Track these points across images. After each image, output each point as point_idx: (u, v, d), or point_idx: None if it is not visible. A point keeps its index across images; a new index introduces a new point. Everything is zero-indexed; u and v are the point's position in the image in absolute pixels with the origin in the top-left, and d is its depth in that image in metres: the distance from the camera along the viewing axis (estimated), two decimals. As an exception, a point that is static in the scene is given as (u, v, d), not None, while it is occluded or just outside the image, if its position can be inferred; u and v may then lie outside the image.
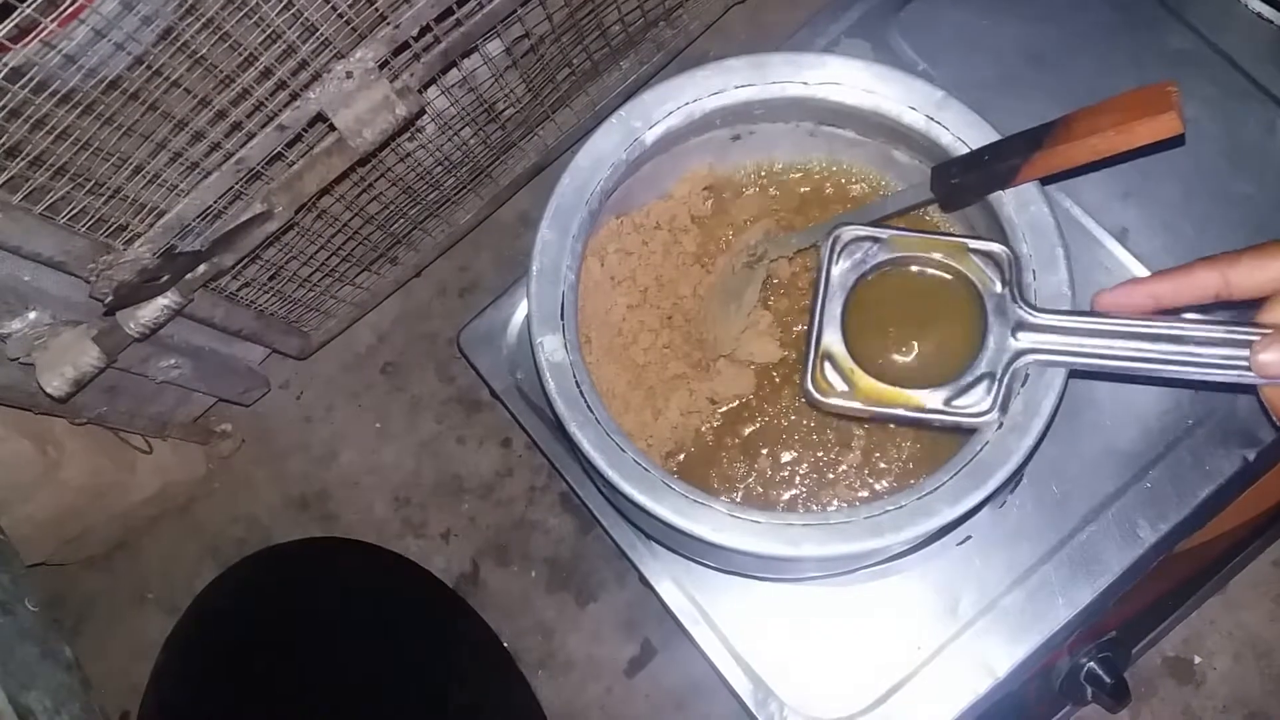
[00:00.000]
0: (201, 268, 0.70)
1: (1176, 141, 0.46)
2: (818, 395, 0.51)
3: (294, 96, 0.65)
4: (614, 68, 1.03)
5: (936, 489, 0.49)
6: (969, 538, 0.61)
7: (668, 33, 1.05)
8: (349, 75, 0.64)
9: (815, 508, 0.58)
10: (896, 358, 0.52)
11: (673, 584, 0.64)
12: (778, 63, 0.56)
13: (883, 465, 0.59)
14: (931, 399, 0.49)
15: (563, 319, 0.52)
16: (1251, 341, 0.44)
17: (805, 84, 0.55)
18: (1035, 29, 0.69)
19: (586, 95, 1.05)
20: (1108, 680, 0.67)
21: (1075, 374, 0.50)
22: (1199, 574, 0.82)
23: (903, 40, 0.69)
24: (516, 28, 0.80)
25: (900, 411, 0.50)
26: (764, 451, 0.59)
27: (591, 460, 0.50)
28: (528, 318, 0.54)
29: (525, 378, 0.69)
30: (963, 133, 0.54)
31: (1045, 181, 0.52)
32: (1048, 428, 0.49)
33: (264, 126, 0.65)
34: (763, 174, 0.63)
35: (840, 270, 0.52)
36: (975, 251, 0.51)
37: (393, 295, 1.14)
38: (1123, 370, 0.47)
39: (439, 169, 0.95)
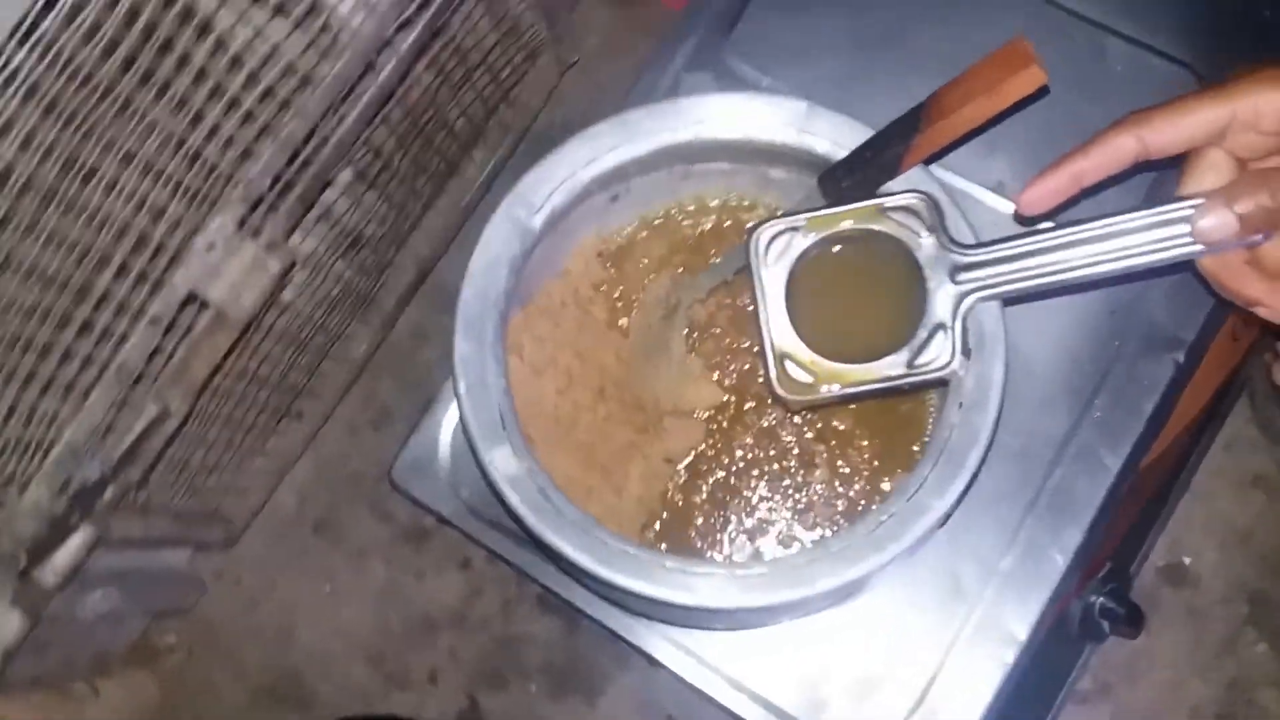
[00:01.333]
0: (109, 492, 0.68)
1: (1042, 93, 0.49)
2: (788, 395, 0.52)
3: (158, 285, 0.64)
4: (468, 161, 1.05)
5: (921, 485, 0.50)
6: (947, 516, 0.63)
7: (510, 113, 1.08)
8: (211, 247, 0.63)
9: (807, 540, 0.59)
10: (851, 336, 0.53)
11: (682, 654, 0.63)
12: (640, 118, 0.58)
13: (848, 470, 0.60)
14: (894, 365, 0.51)
15: (505, 428, 0.53)
16: (1185, 216, 0.46)
17: (673, 131, 0.57)
18: (865, 16, 0.71)
19: (448, 195, 1.06)
20: (1120, 610, 0.69)
21: (1019, 299, 0.52)
22: (1166, 481, 0.86)
23: (741, 62, 0.72)
24: (364, 149, 0.81)
25: (869, 386, 0.51)
26: (734, 497, 0.60)
27: (579, 563, 0.50)
28: (467, 437, 0.54)
29: (472, 494, 0.68)
30: (836, 137, 0.57)
31: (927, 162, 0.55)
32: (1003, 397, 0.52)
33: (135, 325, 0.63)
34: (653, 223, 0.65)
35: (770, 269, 0.53)
36: (892, 210, 0.52)
37: (305, 451, 1.11)
38: (1068, 282, 0.49)
39: (320, 311, 0.94)
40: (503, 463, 0.52)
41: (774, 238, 0.53)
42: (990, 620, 0.61)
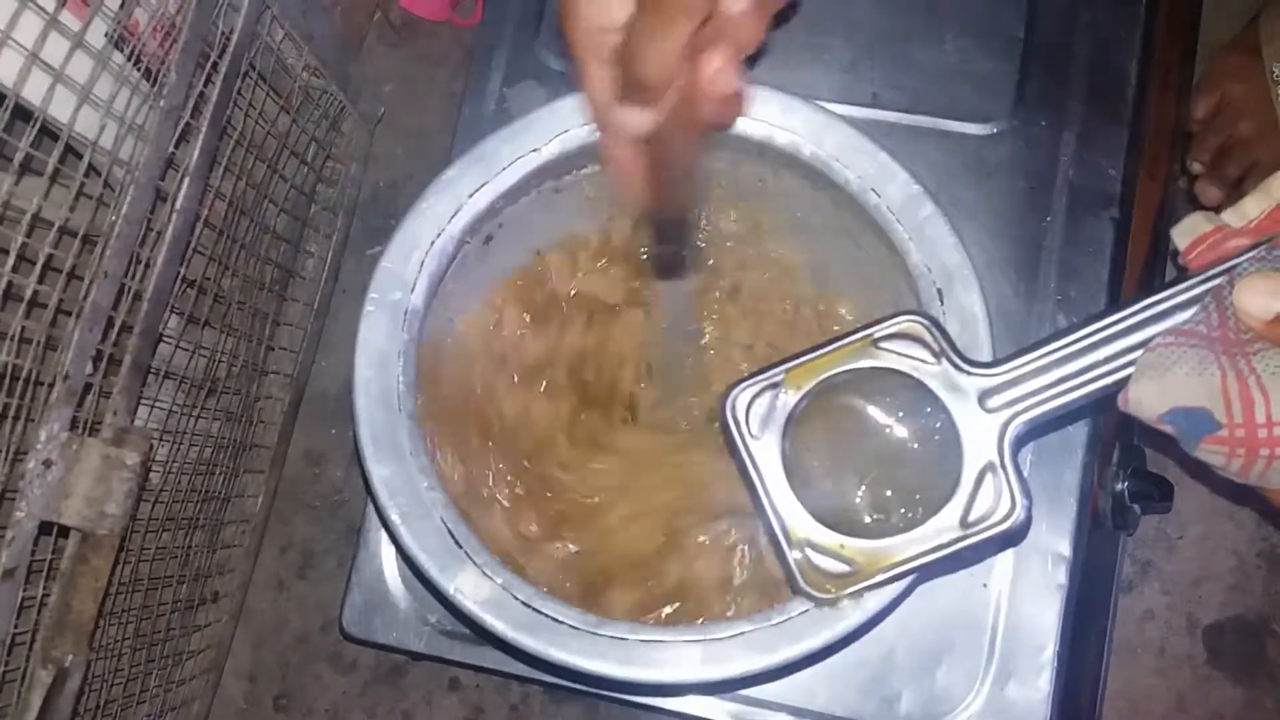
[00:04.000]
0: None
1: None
2: (821, 595, 0.44)
3: (-1, 529, 0.56)
4: (303, 257, 0.98)
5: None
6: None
7: (330, 192, 1.01)
8: (48, 464, 0.56)
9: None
10: (877, 503, 0.46)
11: (724, 702, 0.60)
12: (495, 146, 0.53)
13: None
14: (944, 530, 0.43)
15: (461, 546, 0.47)
16: (1232, 281, 0.40)
17: (536, 150, 0.53)
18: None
19: (294, 301, 0.99)
20: (1149, 487, 0.68)
21: (1062, 418, 0.45)
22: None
23: (559, 59, 0.69)
24: (184, 287, 0.74)
25: (921, 561, 0.44)
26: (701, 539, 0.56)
27: (601, 676, 0.45)
28: (418, 573, 0.49)
29: (442, 617, 0.63)
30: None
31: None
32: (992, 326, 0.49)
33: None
34: (547, 252, 0.60)
35: (759, 442, 0.45)
36: (884, 339, 0.45)
37: (236, 630, 1.03)
38: (1122, 382, 0.42)
39: (198, 479, 0.86)
40: (472, 589, 0.47)
41: (752, 401, 0.45)
42: (1030, 547, 0.60)
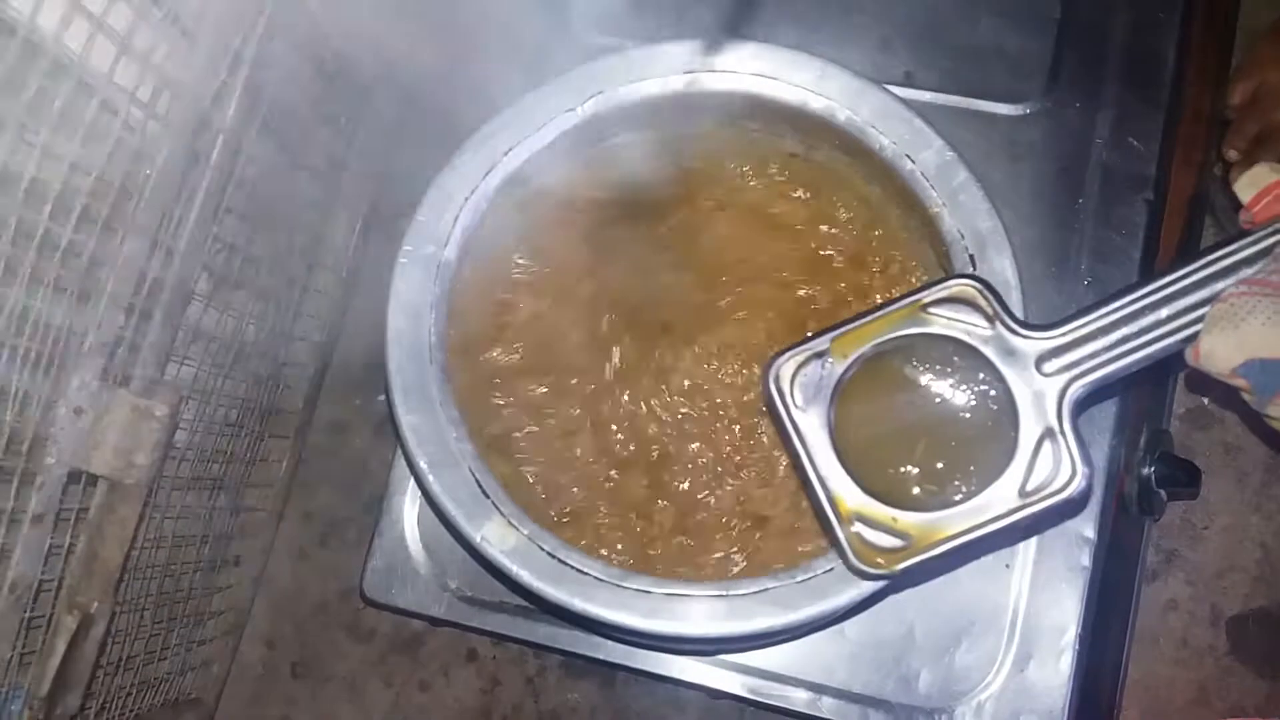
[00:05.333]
0: (49, 729, 0.60)
1: None
2: (872, 569, 0.43)
3: (28, 477, 0.57)
4: (333, 222, 0.99)
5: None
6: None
7: (359, 161, 1.01)
8: (78, 412, 0.56)
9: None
10: (930, 474, 0.45)
11: (746, 676, 0.60)
12: (531, 104, 0.53)
13: None
14: (1002, 500, 0.42)
15: (488, 495, 0.47)
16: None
17: (571, 110, 0.53)
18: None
19: (325, 269, 0.99)
20: (1176, 472, 0.68)
21: (1119, 381, 0.44)
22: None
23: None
24: (217, 248, 0.74)
25: (980, 533, 0.42)
26: (742, 497, 0.56)
27: (625, 626, 0.45)
28: (445, 521, 0.49)
29: (462, 581, 0.63)
30: (751, 66, 0.53)
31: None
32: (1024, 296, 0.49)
33: (15, 531, 0.56)
34: (580, 206, 0.59)
35: (804, 412, 0.44)
36: (934, 304, 0.43)
37: (256, 595, 1.04)
38: (1186, 341, 0.41)
39: (225, 439, 0.87)
40: (498, 537, 0.47)
41: (797, 371, 0.44)
42: (1054, 531, 0.59)
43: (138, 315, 0.62)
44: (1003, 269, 0.48)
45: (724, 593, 0.45)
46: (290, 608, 1.06)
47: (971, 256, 0.48)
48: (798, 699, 0.59)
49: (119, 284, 0.58)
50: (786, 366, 0.44)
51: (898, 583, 0.46)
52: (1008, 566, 0.60)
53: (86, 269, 0.57)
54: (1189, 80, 0.68)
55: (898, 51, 0.67)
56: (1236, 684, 0.88)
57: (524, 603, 0.62)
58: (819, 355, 0.44)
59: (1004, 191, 0.63)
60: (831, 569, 0.45)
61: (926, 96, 0.66)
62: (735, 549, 0.54)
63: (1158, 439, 0.69)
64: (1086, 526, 0.60)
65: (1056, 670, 0.58)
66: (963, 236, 0.48)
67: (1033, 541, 0.60)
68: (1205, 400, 0.94)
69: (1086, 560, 0.60)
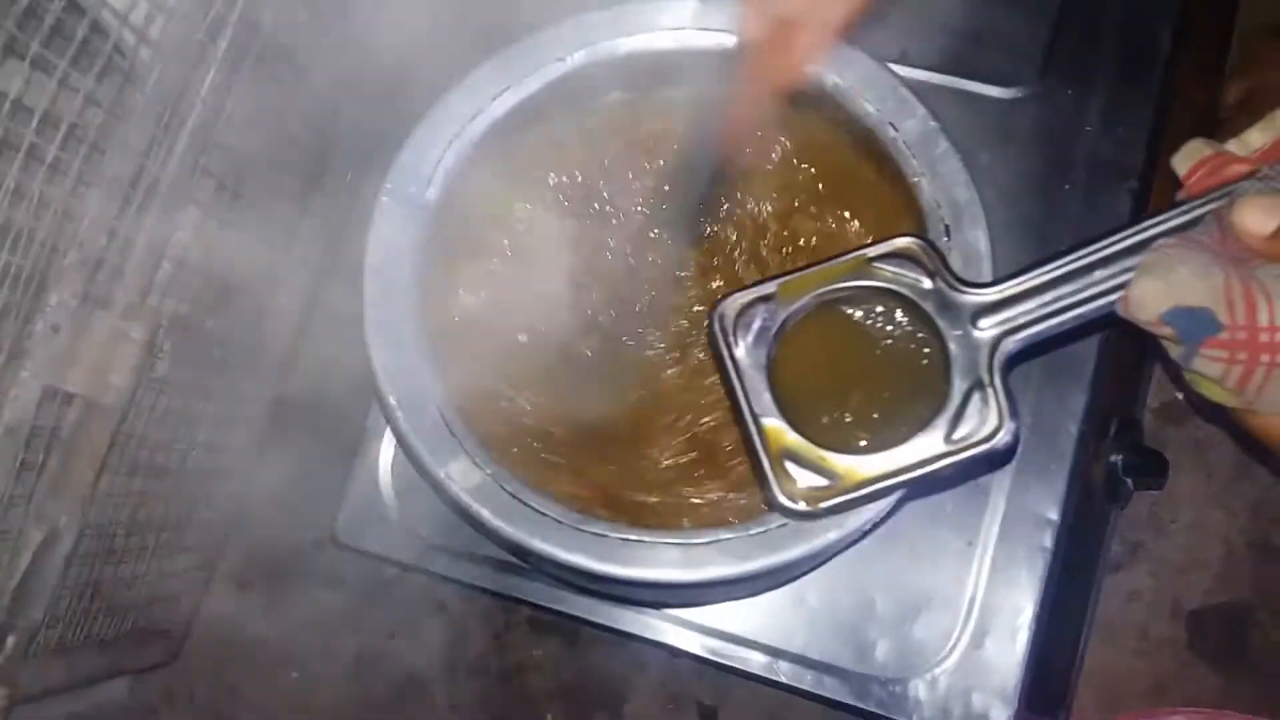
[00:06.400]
0: (9, 641, 0.61)
1: None
2: (797, 506, 0.44)
3: (3, 390, 0.57)
4: (327, 172, 0.99)
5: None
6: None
7: (357, 109, 1.01)
8: (55, 329, 0.56)
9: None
10: (861, 419, 0.46)
11: (704, 635, 0.61)
12: (521, 52, 0.54)
13: None
14: (929, 446, 0.44)
15: (454, 435, 0.48)
16: (1233, 202, 0.41)
17: (561, 60, 0.54)
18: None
19: (315, 217, 0.99)
20: (1141, 460, 0.68)
21: (1055, 340, 0.45)
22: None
23: None
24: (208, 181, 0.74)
25: (904, 477, 0.44)
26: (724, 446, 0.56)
27: (581, 567, 0.45)
28: (412, 458, 0.49)
29: (432, 528, 0.64)
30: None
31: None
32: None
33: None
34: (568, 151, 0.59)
35: (745, 351, 0.45)
36: (879, 259, 0.45)
37: (228, 534, 1.04)
38: (1115, 303, 0.43)
39: (205, 375, 0.87)
40: (461, 475, 0.48)
41: (742, 311, 0.45)
42: (1017, 510, 0.60)
43: (121, 239, 0.62)
44: (976, 240, 0.48)
45: (680, 541, 0.45)
46: (264, 551, 1.06)
47: (947, 226, 0.49)
48: (756, 661, 0.60)
49: (103, 205, 0.58)
50: (732, 307, 0.46)
51: (850, 539, 0.46)
52: (970, 544, 0.60)
53: (72, 188, 0.57)
54: (1183, 72, 0.68)
55: (894, 29, 0.67)
56: (1194, 678, 0.89)
57: (491, 554, 0.63)
58: (765, 299, 0.46)
59: (992, 173, 0.63)
60: (785, 524, 0.45)
61: (920, 75, 0.66)
62: (715, 493, 0.55)
63: (1126, 431, 0.70)
64: (1050, 509, 0.60)
65: (1011, 650, 0.59)
66: (939, 206, 0.49)
67: (996, 520, 0.60)
68: (1179, 395, 0.95)
69: (1048, 542, 0.60)
